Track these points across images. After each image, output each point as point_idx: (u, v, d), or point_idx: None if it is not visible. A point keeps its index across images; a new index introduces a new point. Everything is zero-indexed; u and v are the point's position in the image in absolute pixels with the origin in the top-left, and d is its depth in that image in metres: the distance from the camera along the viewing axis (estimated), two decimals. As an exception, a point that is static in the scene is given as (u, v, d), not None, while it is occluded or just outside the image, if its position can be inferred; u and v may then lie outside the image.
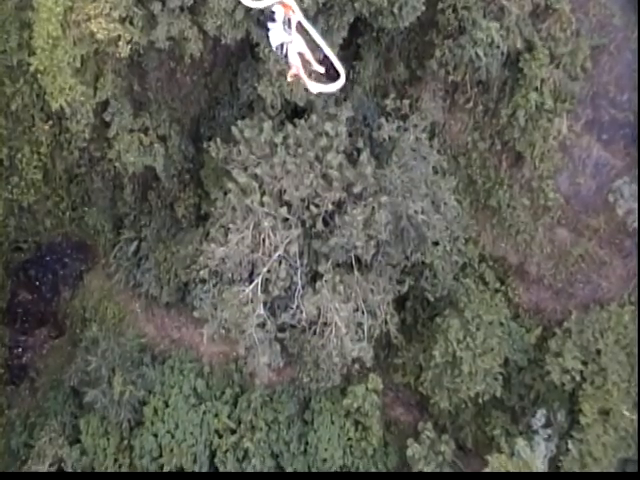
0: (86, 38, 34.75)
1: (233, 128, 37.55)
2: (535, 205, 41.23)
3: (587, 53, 38.30)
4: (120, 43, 34.50)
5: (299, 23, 19.17)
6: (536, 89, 38.64)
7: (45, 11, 34.62)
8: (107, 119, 38.77)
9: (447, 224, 39.08)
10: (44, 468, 42.53)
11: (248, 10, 34.88)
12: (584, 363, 40.37)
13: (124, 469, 43.78)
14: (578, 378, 40.31)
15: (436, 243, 39.53)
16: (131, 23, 34.76)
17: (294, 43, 19.51)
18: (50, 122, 40.58)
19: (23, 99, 39.70)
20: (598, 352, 40.36)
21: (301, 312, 38.17)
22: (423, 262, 39.92)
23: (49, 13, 34.52)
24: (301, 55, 19.83)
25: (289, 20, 19.19)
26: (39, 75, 36.19)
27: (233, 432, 43.61)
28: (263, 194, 36.67)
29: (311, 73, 20.38)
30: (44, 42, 35.03)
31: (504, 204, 41.84)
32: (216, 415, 43.81)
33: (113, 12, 34.01)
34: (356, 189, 36.62)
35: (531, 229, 41.76)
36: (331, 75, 20.19)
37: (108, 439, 43.95)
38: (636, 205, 39.09)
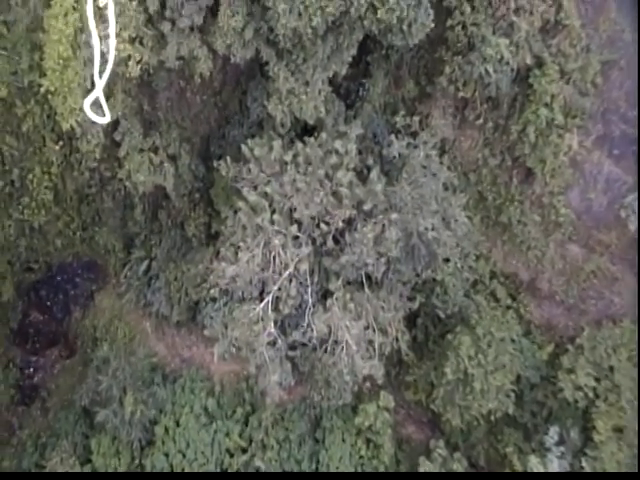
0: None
1: (243, 147, 37.48)
2: (546, 221, 41.01)
3: (597, 69, 38.10)
4: (130, 63, 34.58)
5: None
6: (546, 105, 38.49)
7: (56, 33, 34.62)
8: (117, 139, 38.80)
9: (458, 241, 38.84)
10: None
11: (257, 29, 35.11)
12: (597, 380, 40.09)
13: (135, 489, 43.83)
14: (591, 395, 40.01)
15: (447, 260, 39.36)
16: (141, 43, 34.80)
17: None
18: (61, 143, 40.50)
19: (34, 120, 39.63)
20: (611, 369, 40.06)
21: (312, 330, 38.01)
22: (434, 279, 39.77)
23: (60, 34, 34.51)
24: None
25: None
26: (50, 96, 36.06)
27: (244, 451, 43.44)
28: (273, 212, 36.56)
29: None
30: (55, 63, 34.99)
31: (515, 220, 41.63)
32: (227, 434, 43.64)
33: (123, 32, 34.01)
34: (366, 206, 36.45)
35: (542, 245, 41.53)
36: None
37: (119, 459, 43.76)
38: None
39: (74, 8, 34.45)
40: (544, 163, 39.93)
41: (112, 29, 19.56)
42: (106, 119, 19.87)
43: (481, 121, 40.36)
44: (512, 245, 42.27)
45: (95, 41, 18.91)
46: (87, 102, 20.13)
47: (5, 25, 37.35)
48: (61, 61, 34.95)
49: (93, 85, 35.31)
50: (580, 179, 40.05)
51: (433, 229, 37.10)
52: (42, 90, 36.28)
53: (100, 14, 34.20)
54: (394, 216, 36.16)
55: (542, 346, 42.12)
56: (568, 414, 41.29)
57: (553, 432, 41.12)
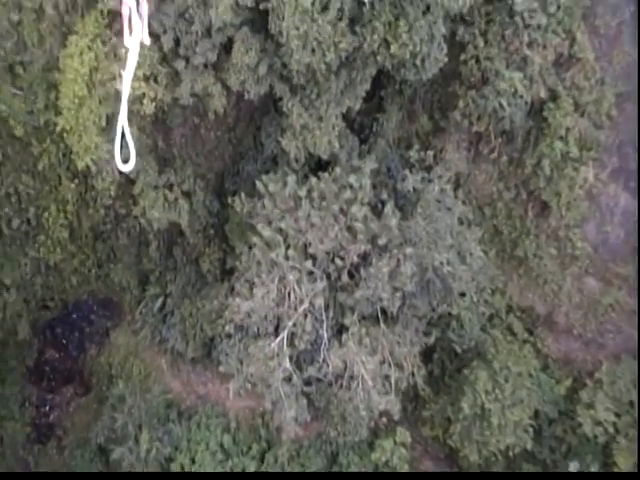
0: (111, 97, 34.66)
1: (257, 182, 37.43)
2: (562, 254, 40.73)
3: (612, 101, 37.93)
4: (144, 101, 34.58)
5: None
6: (561, 138, 38.31)
7: (71, 72, 34.78)
8: (132, 176, 38.57)
9: (473, 275, 38.58)
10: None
11: (271, 65, 35.26)
12: (617, 415, 39.56)
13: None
14: (611, 430, 39.46)
15: (463, 294, 39.07)
16: (155, 81, 34.79)
17: None
18: (76, 181, 40.54)
19: (50, 159, 39.73)
20: (631, 404, 39.52)
21: (327, 365, 37.68)
22: (450, 313, 39.48)
23: (75, 74, 34.65)
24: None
25: None
26: (65, 134, 36.10)
27: (261, 488, 43.27)
28: (288, 247, 36.41)
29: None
30: (70, 102, 35.11)
31: (531, 254, 41.36)
32: (243, 471, 43.34)
33: (138, 71, 33.96)
34: (381, 241, 36.31)
35: (559, 279, 41.21)
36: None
37: (135, 497, 43.62)
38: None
39: (89, 48, 34.58)
40: (559, 196, 39.69)
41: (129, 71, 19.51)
42: (131, 166, 19.74)
43: (495, 155, 40.23)
44: (528, 279, 42.01)
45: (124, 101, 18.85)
46: (117, 154, 20.03)
47: (22, 65, 37.50)
48: (76, 100, 35.04)
49: (108, 123, 35.80)
50: (596, 212, 39.78)
51: (448, 263, 36.89)
52: (58, 129, 36.31)
53: (115, 53, 34.70)
54: (409, 250, 36.02)
55: (560, 380, 41.64)
56: (588, 450, 40.74)
57: (573, 468, 40.61)
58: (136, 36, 19.16)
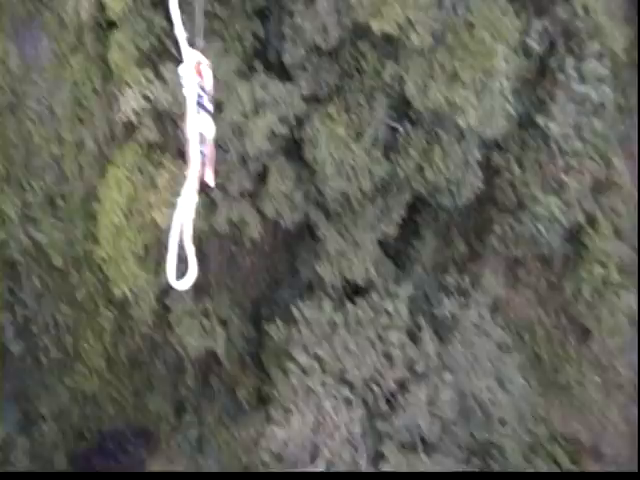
0: (149, 226, 35.13)
1: (293, 309, 37.15)
2: (607, 382, 39.84)
3: (652, 220, 38.00)
4: (182, 229, 35.08)
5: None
6: (601, 263, 37.87)
7: (110, 202, 35.37)
8: (169, 304, 38.77)
9: (514, 402, 37.56)
10: None
11: (306, 193, 35.56)
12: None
13: None
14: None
15: (503, 422, 38.18)
16: (192, 209, 35.42)
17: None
18: (113, 309, 40.43)
19: (88, 288, 39.91)
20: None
21: (365, 495, 36.93)
22: (491, 442, 38.51)
23: (113, 204, 35.22)
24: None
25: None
26: (103, 264, 36.55)
27: None
28: (324, 374, 36.01)
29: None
30: (108, 232, 35.59)
31: (573, 381, 40.44)
32: None
33: (175, 200, 34.65)
34: (419, 367, 35.65)
35: (604, 407, 40.19)
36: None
37: None
38: None
39: (127, 178, 35.29)
40: (601, 322, 38.96)
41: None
42: (188, 283, 19.57)
43: (533, 280, 39.90)
44: (571, 407, 40.99)
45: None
46: (170, 267, 19.83)
47: (62, 197, 38.33)
48: (114, 229, 35.52)
49: (146, 252, 36.09)
50: (640, 340, 39.26)
51: (488, 390, 36.11)
52: (96, 258, 36.77)
53: (152, 182, 35.23)
54: (447, 377, 35.37)
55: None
56: None
57: None
58: (194, 175, 19.31)
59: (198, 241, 36.77)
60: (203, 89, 19.30)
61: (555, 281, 39.85)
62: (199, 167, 19.01)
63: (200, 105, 18.86)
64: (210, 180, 19.57)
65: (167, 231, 34.30)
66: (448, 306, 37.68)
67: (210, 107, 18.69)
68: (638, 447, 39.10)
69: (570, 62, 35.07)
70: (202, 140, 18.78)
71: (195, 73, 19.06)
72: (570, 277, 39.20)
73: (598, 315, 39.03)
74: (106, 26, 34.43)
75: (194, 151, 19.02)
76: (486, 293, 39.17)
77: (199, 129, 18.84)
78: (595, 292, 38.60)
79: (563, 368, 40.66)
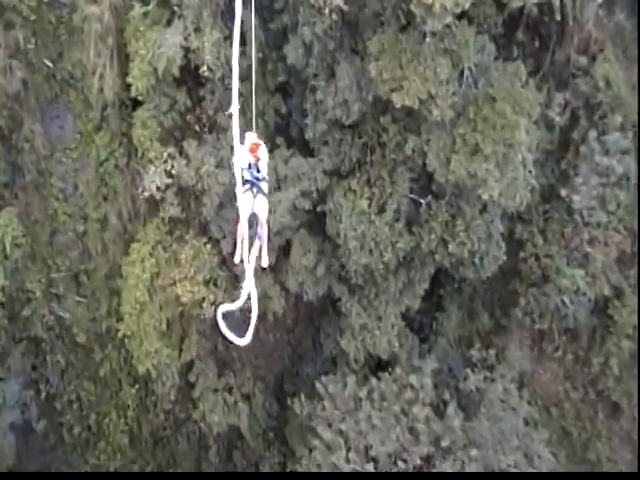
0: (172, 302, 35.09)
1: (317, 383, 36.62)
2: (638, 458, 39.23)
3: (679, 299, 37.42)
4: (204, 305, 34.66)
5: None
6: (628, 336, 37.44)
7: (133, 278, 35.27)
8: (192, 380, 38.37)
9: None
10: None
11: (329, 266, 35.44)
12: None
13: None
14: None
15: (533, 499, 37.55)
16: (215, 285, 35.07)
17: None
18: (137, 386, 40.20)
19: (111, 365, 39.66)
20: None
21: None
22: (518, 518, 37.83)
23: (137, 280, 35.14)
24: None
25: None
26: (127, 340, 36.20)
27: None
28: (349, 450, 35.03)
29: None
30: (132, 308, 35.39)
31: (604, 457, 39.39)
32: None
33: (198, 275, 34.52)
34: (444, 442, 34.86)
35: (636, 483, 39.48)
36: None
37: None
38: None
39: (150, 254, 35.28)
40: (631, 397, 38.46)
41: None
42: (245, 340, 19.29)
43: (560, 353, 39.23)
44: (602, 483, 40.20)
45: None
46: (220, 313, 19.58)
47: (86, 273, 38.41)
48: (138, 305, 35.35)
49: (168, 327, 36.01)
50: (674, 415, 38.49)
51: (515, 466, 35.19)
52: (119, 335, 36.47)
53: (175, 258, 35.28)
54: (473, 452, 34.60)
55: None
56: None
57: None
58: (241, 251, 19.11)
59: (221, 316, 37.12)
60: (259, 170, 19.22)
61: (582, 355, 39.22)
62: (256, 249, 18.82)
63: (256, 187, 18.79)
64: (265, 262, 19.32)
65: (190, 306, 34.81)
66: (473, 380, 37.17)
67: (265, 188, 18.61)
68: (638, 447, 38.29)
69: (592, 134, 35.00)
70: (257, 222, 18.64)
71: (251, 154, 19.04)
72: (598, 351, 38.66)
73: (627, 390, 38.50)
74: (130, 104, 34.76)
75: (247, 233, 18.86)
76: (512, 367, 38.68)
77: (255, 210, 18.72)
78: (624, 366, 38.09)
79: (593, 444, 39.74)
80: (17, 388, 39.48)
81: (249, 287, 19.13)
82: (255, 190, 18.37)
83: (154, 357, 35.92)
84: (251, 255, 18.86)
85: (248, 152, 18.60)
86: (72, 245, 38.08)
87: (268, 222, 19.05)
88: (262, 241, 18.91)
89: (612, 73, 34.73)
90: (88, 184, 36.88)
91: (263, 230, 18.64)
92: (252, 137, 18.79)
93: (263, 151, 18.85)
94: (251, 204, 18.38)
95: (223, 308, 19.61)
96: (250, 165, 18.48)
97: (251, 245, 19.07)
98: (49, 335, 39.16)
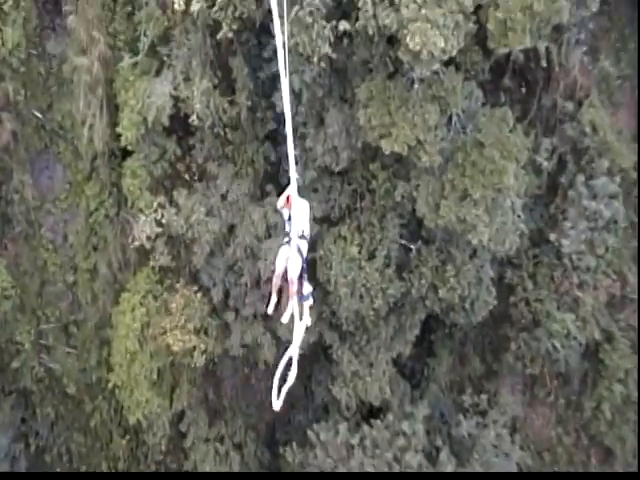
0: (162, 351, 34.80)
1: (309, 431, 36.31)
2: (632, 502, 38.80)
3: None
4: (195, 353, 34.44)
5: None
6: (620, 380, 37.25)
7: (123, 328, 34.99)
8: (183, 430, 37.85)
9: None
10: None
11: (320, 314, 35.09)
12: None
13: None
14: None
15: None
16: (206, 333, 34.83)
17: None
18: (127, 437, 39.59)
19: (102, 415, 39.05)
20: None
21: None
22: None
23: (127, 329, 34.84)
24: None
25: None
26: (117, 390, 35.89)
27: None
28: (342, 501, 35.12)
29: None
30: (122, 358, 35.11)
31: (597, 502, 39.32)
32: None
33: (188, 324, 34.24)
34: (437, 487, 34.94)
35: (629, 527, 39.01)
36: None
37: None
38: None
39: (141, 304, 35.06)
40: (623, 442, 38.12)
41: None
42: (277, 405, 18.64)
43: (552, 398, 38.95)
44: (596, 528, 39.72)
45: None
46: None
47: (75, 324, 38.15)
48: (128, 355, 35.09)
49: (159, 377, 35.61)
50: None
51: (510, 512, 35.21)
52: (110, 385, 36.19)
53: (166, 307, 35.02)
54: (468, 499, 34.52)
55: None
56: None
57: None
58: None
59: (212, 365, 36.84)
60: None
61: (574, 399, 38.94)
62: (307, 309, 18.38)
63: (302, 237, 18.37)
64: (307, 320, 18.90)
65: (180, 355, 34.47)
66: (466, 426, 36.86)
67: (301, 246, 18.24)
68: (638, 447, 37.82)
69: (580, 179, 35.06)
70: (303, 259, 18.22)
71: (286, 206, 18.60)
72: (589, 395, 38.42)
73: (620, 434, 38.16)
74: (120, 154, 34.68)
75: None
76: (504, 412, 38.35)
77: (287, 264, 18.32)
78: (616, 410, 37.81)
79: (586, 489, 39.45)
80: (6, 442, 38.80)
81: (294, 350, 18.59)
82: (291, 245, 17.86)
83: (145, 407, 35.57)
84: (301, 314, 18.36)
85: (284, 203, 18.02)
86: (62, 296, 37.86)
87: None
88: (290, 297, 18.29)
89: (598, 118, 34.87)
90: (78, 234, 36.71)
91: (291, 288, 18.00)
92: (291, 189, 18.07)
93: (296, 205, 18.20)
94: (285, 258, 17.86)
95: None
96: (289, 217, 17.95)
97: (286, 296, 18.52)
98: (39, 387, 38.72)
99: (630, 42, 36.03)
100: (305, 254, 17.51)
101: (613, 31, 35.88)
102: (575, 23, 32.51)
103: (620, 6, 35.55)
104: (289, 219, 17.46)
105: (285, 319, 18.21)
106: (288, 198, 17.62)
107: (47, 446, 39.85)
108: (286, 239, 17.21)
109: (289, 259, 17.44)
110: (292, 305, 17.74)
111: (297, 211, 17.59)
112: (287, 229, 17.40)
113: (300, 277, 17.36)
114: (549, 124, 35.12)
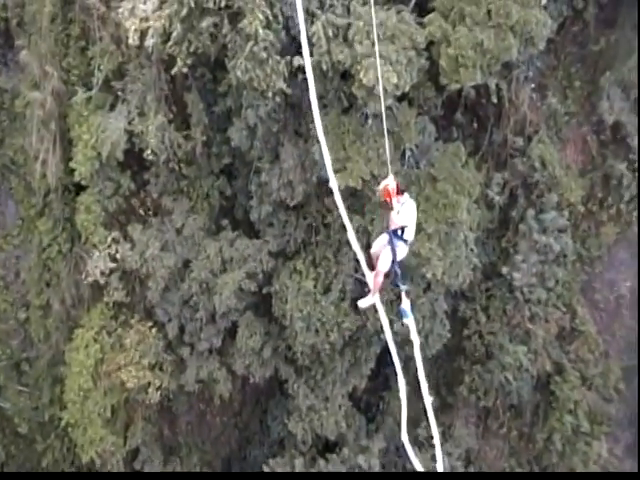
0: (116, 387, 34.04)
1: (264, 467, 35.62)
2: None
3: (619, 374, 37.42)
4: (150, 390, 33.69)
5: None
6: (570, 412, 36.94)
7: (77, 365, 34.08)
8: (137, 467, 36.76)
9: None
10: None
11: (275, 348, 34.57)
12: None
13: None
14: None
15: None
16: (161, 369, 34.09)
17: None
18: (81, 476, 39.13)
19: (54, 454, 37.94)
20: None
21: None
22: None
23: (81, 366, 33.95)
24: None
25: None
26: (70, 429, 34.98)
27: None
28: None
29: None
30: (75, 395, 34.21)
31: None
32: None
33: (143, 360, 33.49)
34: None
35: None
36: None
37: None
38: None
39: (95, 340, 34.25)
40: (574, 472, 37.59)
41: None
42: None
43: (505, 430, 38.58)
44: None
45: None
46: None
47: (27, 362, 37.38)
48: (81, 393, 34.24)
49: (113, 414, 34.77)
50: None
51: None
52: (62, 423, 35.28)
53: (120, 343, 34.25)
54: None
55: None
56: None
57: None
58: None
59: (167, 401, 36.03)
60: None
61: (526, 431, 38.61)
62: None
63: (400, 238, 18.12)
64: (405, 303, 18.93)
65: (135, 391, 33.68)
66: (421, 459, 36.37)
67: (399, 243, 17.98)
68: (638, 447, 37.75)
69: (531, 213, 34.93)
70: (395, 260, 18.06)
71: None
72: (541, 427, 38.12)
73: (571, 465, 37.76)
74: (73, 189, 33.97)
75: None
76: (458, 445, 37.87)
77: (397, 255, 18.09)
78: (566, 441, 37.52)
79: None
80: (-47, 484, 37.74)
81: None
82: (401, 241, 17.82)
83: (98, 445, 34.76)
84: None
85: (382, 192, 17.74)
86: (13, 333, 37.17)
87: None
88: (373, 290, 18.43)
89: (547, 154, 34.90)
90: (30, 270, 35.98)
91: (376, 279, 18.10)
92: (389, 179, 17.72)
93: (403, 201, 17.93)
94: (382, 245, 17.90)
95: None
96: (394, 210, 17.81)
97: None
98: (-11, 427, 37.65)
99: (576, 80, 36.23)
100: (398, 256, 17.51)
101: (559, 69, 36.04)
102: (524, 61, 32.57)
103: (566, 45, 35.77)
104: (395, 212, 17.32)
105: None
106: (389, 192, 17.46)
107: (-3, 487, 38.64)
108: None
109: (383, 249, 17.46)
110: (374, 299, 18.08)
111: (402, 208, 17.51)
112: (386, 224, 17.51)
113: (387, 275, 17.53)
114: (500, 159, 35.07)
